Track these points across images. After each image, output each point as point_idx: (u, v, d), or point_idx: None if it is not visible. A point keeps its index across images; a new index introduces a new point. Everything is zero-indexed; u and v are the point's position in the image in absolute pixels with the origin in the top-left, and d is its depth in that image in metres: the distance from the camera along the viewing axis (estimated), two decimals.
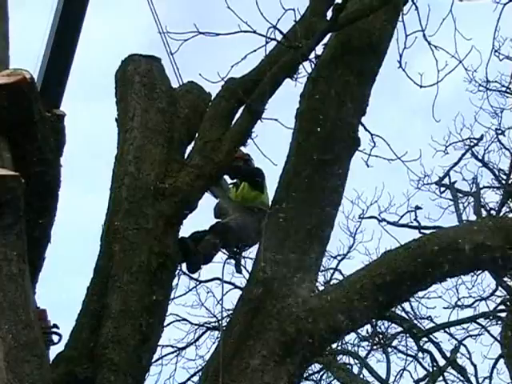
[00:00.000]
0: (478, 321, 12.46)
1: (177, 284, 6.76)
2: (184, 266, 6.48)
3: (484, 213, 13.09)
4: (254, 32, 6.08)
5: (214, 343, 10.40)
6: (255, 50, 6.17)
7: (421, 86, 6.48)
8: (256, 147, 6.41)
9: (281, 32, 6.09)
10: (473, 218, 12.80)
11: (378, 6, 6.08)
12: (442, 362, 12.12)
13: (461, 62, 6.66)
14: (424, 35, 6.58)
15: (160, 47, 6.61)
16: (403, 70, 6.43)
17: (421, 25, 6.54)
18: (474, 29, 7.52)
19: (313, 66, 6.35)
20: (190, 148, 6.09)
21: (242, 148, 6.76)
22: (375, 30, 6.37)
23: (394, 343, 12.33)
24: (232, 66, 6.23)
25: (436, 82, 6.50)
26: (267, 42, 6.07)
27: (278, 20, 6.02)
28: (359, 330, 10.76)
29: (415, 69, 6.66)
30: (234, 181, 7.19)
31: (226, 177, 7.16)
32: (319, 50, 6.36)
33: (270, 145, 6.44)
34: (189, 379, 11.08)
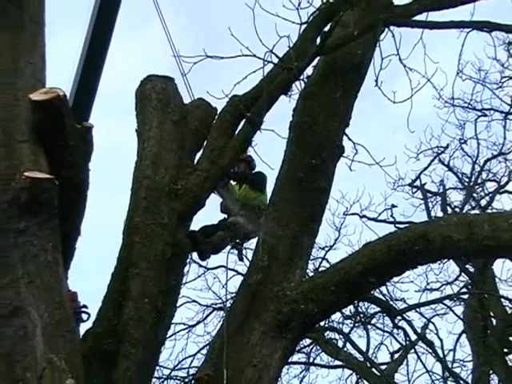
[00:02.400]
0: (444, 302, 12.41)
1: (188, 271, 6.78)
2: (194, 255, 6.49)
3: (449, 210, 13.10)
4: (254, 56, 6.13)
5: (219, 321, 10.38)
6: (255, 71, 6.21)
7: (394, 102, 6.53)
8: (256, 154, 6.48)
9: (276, 56, 6.12)
10: (440, 214, 12.85)
11: (359, 34, 6.09)
12: (413, 337, 12.04)
13: (429, 80, 6.83)
14: (400, 59, 6.65)
15: (175, 69, 6.64)
16: (379, 88, 6.49)
17: (397, 50, 6.63)
18: (441, 53, 7.54)
19: (304, 84, 6.40)
20: (199, 155, 6.08)
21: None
22: (357, 54, 6.39)
23: (373, 321, 12.31)
24: (235, 85, 6.28)
25: (406, 99, 6.59)
26: (264, 65, 6.11)
27: (274, 45, 6.06)
28: (343, 310, 10.73)
29: (396, 87, 6.72)
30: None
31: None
32: (309, 70, 6.42)
33: (267, 152, 6.47)
34: (198, 352, 11.06)
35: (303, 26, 6.53)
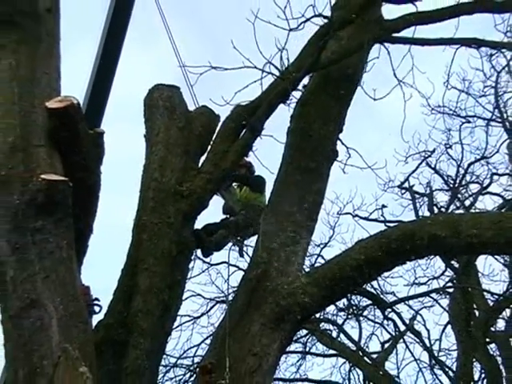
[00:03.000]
0: (431, 295, 12.44)
1: (192, 266, 6.74)
2: (199, 252, 6.48)
3: (436, 210, 13.10)
4: (255, 67, 6.15)
5: (222, 314, 10.37)
6: (255, 81, 6.24)
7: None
8: (256, 158, 6.49)
9: (275, 66, 6.14)
10: (427, 214, 12.83)
11: (350, 54, 6.11)
12: (402, 327, 12.06)
13: (417, 90, 6.79)
14: (394, 74, 6.74)
15: (182, 78, 6.66)
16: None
17: (391, 62, 6.70)
18: (428, 64, 7.58)
19: (301, 93, 6.41)
20: (203, 158, 6.07)
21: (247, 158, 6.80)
22: (350, 65, 6.41)
23: (365, 313, 12.29)
24: (235, 93, 6.30)
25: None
26: (263, 77, 6.14)
27: (272, 57, 6.10)
28: (337, 303, 10.75)
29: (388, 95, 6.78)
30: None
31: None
32: (306, 79, 6.42)
33: (267, 157, 6.48)
34: (202, 342, 11.07)
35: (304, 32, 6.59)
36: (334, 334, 12.55)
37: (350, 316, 12.25)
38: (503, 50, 11.14)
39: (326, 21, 6.34)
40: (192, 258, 5.94)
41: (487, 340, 12.36)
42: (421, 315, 12.51)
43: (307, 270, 6.28)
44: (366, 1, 5.87)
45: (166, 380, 10.93)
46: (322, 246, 11.96)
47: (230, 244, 6.83)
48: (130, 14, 7.25)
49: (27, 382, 4.11)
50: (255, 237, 6.14)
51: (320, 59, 5.89)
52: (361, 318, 12.35)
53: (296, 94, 6.36)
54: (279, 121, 6.28)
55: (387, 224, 11.87)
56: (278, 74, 6.21)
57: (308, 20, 6.62)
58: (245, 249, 6.97)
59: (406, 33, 6.69)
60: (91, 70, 7.12)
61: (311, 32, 6.46)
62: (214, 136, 6.12)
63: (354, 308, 12.06)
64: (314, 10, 6.53)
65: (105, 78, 7.07)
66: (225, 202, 6.96)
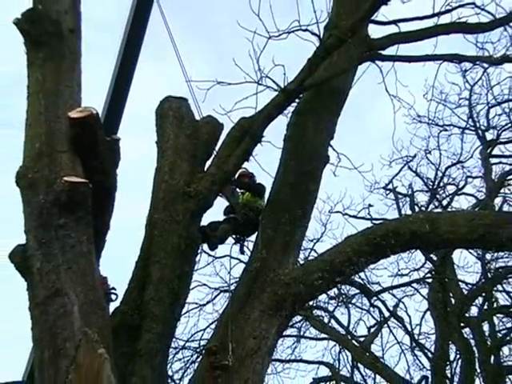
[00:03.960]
0: (412, 285, 12.48)
1: (199, 259, 6.74)
2: (205, 246, 6.47)
3: (416, 209, 13.13)
4: (254, 82, 6.16)
5: (225, 302, 10.38)
6: (255, 94, 6.24)
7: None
8: (256, 162, 6.48)
9: (272, 80, 6.13)
10: (409, 212, 12.84)
11: (343, 69, 6.10)
12: (386, 314, 12.14)
13: (403, 101, 6.82)
14: (386, 88, 6.75)
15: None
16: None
17: (383, 78, 6.74)
18: (409, 77, 7.60)
19: (296, 104, 6.41)
20: (208, 163, 6.06)
21: (249, 169, 6.82)
22: (341, 79, 6.41)
23: (353, 301, 12.33)
24: (236, 103, 6.31)
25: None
26: (259, 92, 6.14)
27: (269, 71, 6.11)
28: (328, 292, 10.73)
29: (377, 105, 6.81)
30: (242, 190, 7.18)
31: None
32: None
33: (265, 160, 6.48)
34: (208, 327, 11.07)
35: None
36: (326, 320, 12.60)
37: (339, 303, 12.28)
38: (476, 67, 11.26)
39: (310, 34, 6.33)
40: (198, 251, 5.90)
41: (462, 324, 12.37)
42: (403, 303, 12.59)
43: (302, 262, 6.27)
44: (355, 24, 5.85)
45: (176, 360, 10.94)
46: (314, 241, 11.97)
47: (232, 240, 6.83)
48: (144, 35, 7.24)
49: (52, 362, 4.12)
50: (255, 235, 6.14)
51: (312, 76, 5.86)
52: (349, 306, 12.39)
53: (292, 105, 6.36)
54: (277, 129, 6.28)
55: (373, 221, 11.94)
56: (274, 86, 6.20)
57: (290, 32, 6.59)
58: (246, 244, 6.95)
59: (390, 51, 6.73)
60: (109, 83, 7.10)
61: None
62: (219, 143, 6.11)
63: (344, 296, 12.09)
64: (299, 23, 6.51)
65: (121, 91, 7.06)
66: (228, 203, 6.94)
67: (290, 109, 6.34)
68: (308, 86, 5.96)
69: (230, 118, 6.34)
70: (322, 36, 6.42)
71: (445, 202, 13.36)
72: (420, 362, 12.37)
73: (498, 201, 12.79)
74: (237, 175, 6.71)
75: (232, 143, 5.99)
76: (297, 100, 6.39)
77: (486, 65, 9.88)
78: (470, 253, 12.05)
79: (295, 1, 6.15)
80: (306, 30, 6.35)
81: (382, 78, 6.75)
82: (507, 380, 11.77)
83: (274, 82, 6.04)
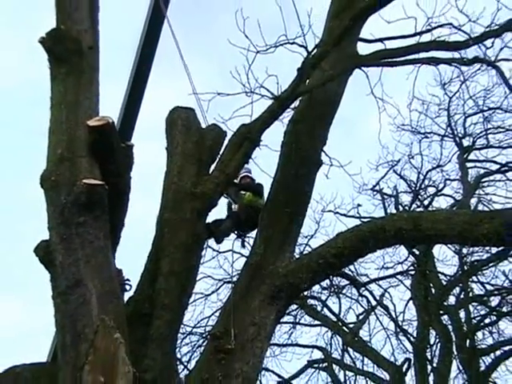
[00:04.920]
0: (396, 277, 12.49)
1: (204, 254, 6.73)
2: (210, 242, 6.45)
3: (400, 208, 13.12)
4: (250, 91, 6.14)
5: (228, 292, 10.39)
6: (251, 103, 6.22)
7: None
8: (256, 165, 6.47)
9: (267, 89, 6.10)
10: (394, 211, 12.84)
11: (333, 77, 6.07)
12: (373, 302, 12.15)
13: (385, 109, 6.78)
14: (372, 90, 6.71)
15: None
16: None
17: (370, 84, 6.71)
18: (395, 90, 7.62)
19: (292, 113, 6.40)
20: (213, 166, 6.04)
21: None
22: (332, 89, 6.38)
23: (344, 291, 12.31)
24: (234, 112, 6.30)
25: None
26: (254, 101, 6.13)
27: (264, 81, 6.08)
28: (321, 283, 10.74)
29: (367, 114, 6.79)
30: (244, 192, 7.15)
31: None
32: (297, 103, 6.40)
33: (265, 163, 6.47)
34: (212, 314, 11.06)
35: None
36: (319, 308, 12.56)
37: (331, 293, 12.24)
38: (454, 80, 11.29)
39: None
40: (204, 246, 5.89)
41: (441, 312, 12.40)
42: (388, 293, 12.56)
43: (297, 256, 6.27)
44: (339, 35, 5.79)
45: (184, 345, 10.96)
46: (309, 237, 11.92)
47: (235, 236, 6.83)
48: (154, 54, 7.23)
49: (73, 345, 4.13)
50: (255, 231, 6.13)
51: (302, 85, 5.81)
52: (340, 295, 12.36)
53: (289, 114, 6.35)
54: (275, 133, 6.27)
55: (362, 220, 11.90)
56: (269, 95, 6.16)
57: (278, 46, 6.57)
58: (247, 239, 6.95)
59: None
60: (124, 94, 7.09)
61: None
62: (222, 148, 6.11)
63: (335, 287, 12.06)
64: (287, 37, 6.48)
65: (133, 104, 7.03)
66: (232, 203, 6.92)
67: (287, 117, 6.33)
68: (299, 93, 5.92)
69: (227, 126, 6.32)
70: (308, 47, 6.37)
71: (426, 202, 13.39)
72: (403, 345, 12.38)
73: (473, 201, 12.84)
74: (241, 175, 6.69)
75: (233, 148, 5.95)
76: (293, 110, 6.38)
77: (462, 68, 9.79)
78: (449, 247, 12.03)
79: (281, 18, 6.10)
80: (293, 43, 6.32)
81: (369, 87, 6.75)
82: (480, 361, 11.80)
83: (268, 91, 6.02)
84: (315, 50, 5.65)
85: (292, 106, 6.26)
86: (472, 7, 7.07)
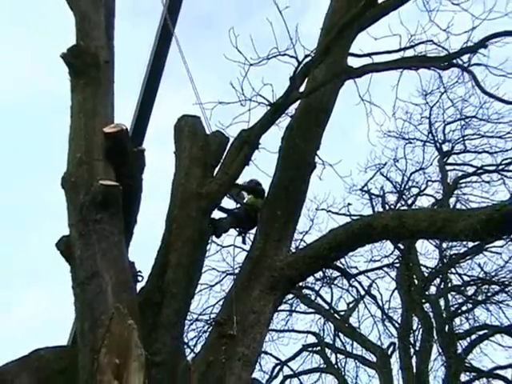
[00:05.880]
0: (383, 269, 12.51)
1: (209, 248, 6.72)
2: (214, 238, 6.42)
3: (387, 207, 13.12)
4: (249, 99, 6.12)
5: (230, 283, 10.38)
6: (249, 110, 6.19)
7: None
8: (256, 166, 6.43)
9: (263, 97, 6.03)
10: (381, 210, 12.85)
11: (323, 83, 6.03)
12: (362, 292, 12.18)
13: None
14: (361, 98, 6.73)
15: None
16: None
17: (360, 96, 6.70)
18: (381, 99, 7.60)
19: (289, 120, 6.37)
20: (217, 169, 6.02)
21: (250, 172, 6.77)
22: (325, 96, 6.36)
23: (335, 282, 12.34)
24: (233, 119, 6.27)
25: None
26: (252, 108, 6.10)
27: (260, 89, 6.03)
28: (315, 275, 10.75)
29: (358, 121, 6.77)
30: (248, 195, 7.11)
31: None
32: (293, 111, 6.38)
33: (265, 166, 6.44)
34: (216, 303, 11.06)
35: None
36: (313, 297, 12.58)
37: (324, 284, 12.29)
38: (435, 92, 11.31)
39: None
40: (209, 242, 5.89)
41: (423, 301, 12.40)
42: (376, 283, 12.61)
43: (293, 250, 6.26)
44: (327, 45, 5.77)
45: (190, 330, 10.96)
46: (303, 233, 11.95)
47: (236, 232, 6.80)
48: (163, 68, 7.20)
49: (91, 331, 4.12)
50: (255, 228, 6.11)
51: (294, 92, 5.74)
52: (332, 286, 12.40)
53: (285, 119, 6.31)
54: (274, 141, 6.26)
55: (352, 217, 11.88)
56: (265, 103, 6.10)
57: (270, 58, 6.52)
58: (247, 235, 6.93)
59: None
60: (136, 103, 7.06)
61: None
62: (225, 153, 6.09)
63: (327, 278, 12.10)
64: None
65: (144, 114, 6.98)
66: (235, 202, 6.90)
67: (283, 121, 6.30)
68: (292, 99, 5.87)
69: (225, 131, 6.21)
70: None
71: (410, 202, 13.39)
72: (389, 331, 12.41)
73: (452, 200, 12.85)
74: (247, 182, 6.67)
75: (234, 152, 5.92)
76: (290, 117, 6.35)
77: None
78: (430, 242, 12.09)
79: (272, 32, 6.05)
80: (284, 55, 6.31)
81: (359, 96, 6.74)
82: (458, 345, 11.80)
83: (264, 98, 5.97)
84: (305, 60, 5.61)
85: (288, 112, 6.24)
86: (451, 25, 7.10)
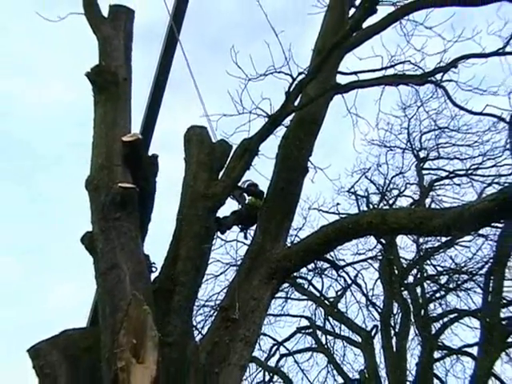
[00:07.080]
0: (368, 261, 12.50)
1: (214, 242, 6.69)
2: (219, 233, 6.40)
3: (371, 206, 13.12)
4: (249, 112, 6.12)
5: (233, 273, 10.37)
6: (249, 121, 6.20)
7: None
8: (255, 170, 6.42)
9: (262, 109, 6.04)
10: (365, 209, 12.84)
11: (315, 98, 6.02)
12: (349, 281, 12.16)
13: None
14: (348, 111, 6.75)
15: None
16: None
17: (348, 108, 6.72)
18: (365, 111, 7.63)
19: (285, 130, 6.37)
20: (221, 173, 5.97)
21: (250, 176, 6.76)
22: (317, 109, 6.31)
23: (325, 272, 12.34)
24: (236, 129, 6.29)
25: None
26: (252, 120, 6.12)
27: (259, 103, 6.06)
28: (308, 266, 10.75)
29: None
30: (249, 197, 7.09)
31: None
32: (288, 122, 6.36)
33: (264, 170, 6.43)
34: (221, 291, 11.04)
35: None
36: (306, 286, 12.58)
37: (315, 274, 12.28)
38: (412, 106, 11.34)
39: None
40: (214, 237, 5.87)
41: (402, 288, 12.40)
42: (361, 274, 12.59)
43: (289, 245, 6.24)
44: (317, 66, 5.77)
45: (198, 315, 10.94)
46: (298, 229, 11.96)
47: (238, 229, 6.79)
48: (168, 76, 7.07)
49: (111, 315, 4.14)
50: (255, 226, 6.09)
51: (289, 105, 5.71)
52: (322, 276, 12.40)
53: (281, 129, 6.30)
54: (272, 149, 6.25)
55: (340, 215, 11.93)
56: (264, 115, 6.09)
57: (267, 75, 6.51)
58: (248, 232, 6.92)
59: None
60: (142, 118, 6.90)
61: None
62: (229, 159, 6.08)
63: (318, 269, 12.10)
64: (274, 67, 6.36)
65: (149, 126, 6.81)
66: (237, 202, 6.88)
67: (280, 131, 6.28)
68: (288, 112, 5.84)
69: (229, 140, 6.21)
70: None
71: (391, 202, 13.38)
72: (372, 315, 12.39)
73: (427, 201, 12.85)
74: (246, 184, 6.66)
75: (237, 158, 5.91)
76: (286, 127, 6.34)
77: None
78: (408, 237, 12.06)
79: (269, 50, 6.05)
80: (280, 72, 6.31)
81: (346, 109, 6.75)
82: (432, 327, 11.82)
83: (263, 111, 5.98)
84: (299, 77, 5.62)
85: (284, 123, 6.22)
86: (425, 47, 7.14)
